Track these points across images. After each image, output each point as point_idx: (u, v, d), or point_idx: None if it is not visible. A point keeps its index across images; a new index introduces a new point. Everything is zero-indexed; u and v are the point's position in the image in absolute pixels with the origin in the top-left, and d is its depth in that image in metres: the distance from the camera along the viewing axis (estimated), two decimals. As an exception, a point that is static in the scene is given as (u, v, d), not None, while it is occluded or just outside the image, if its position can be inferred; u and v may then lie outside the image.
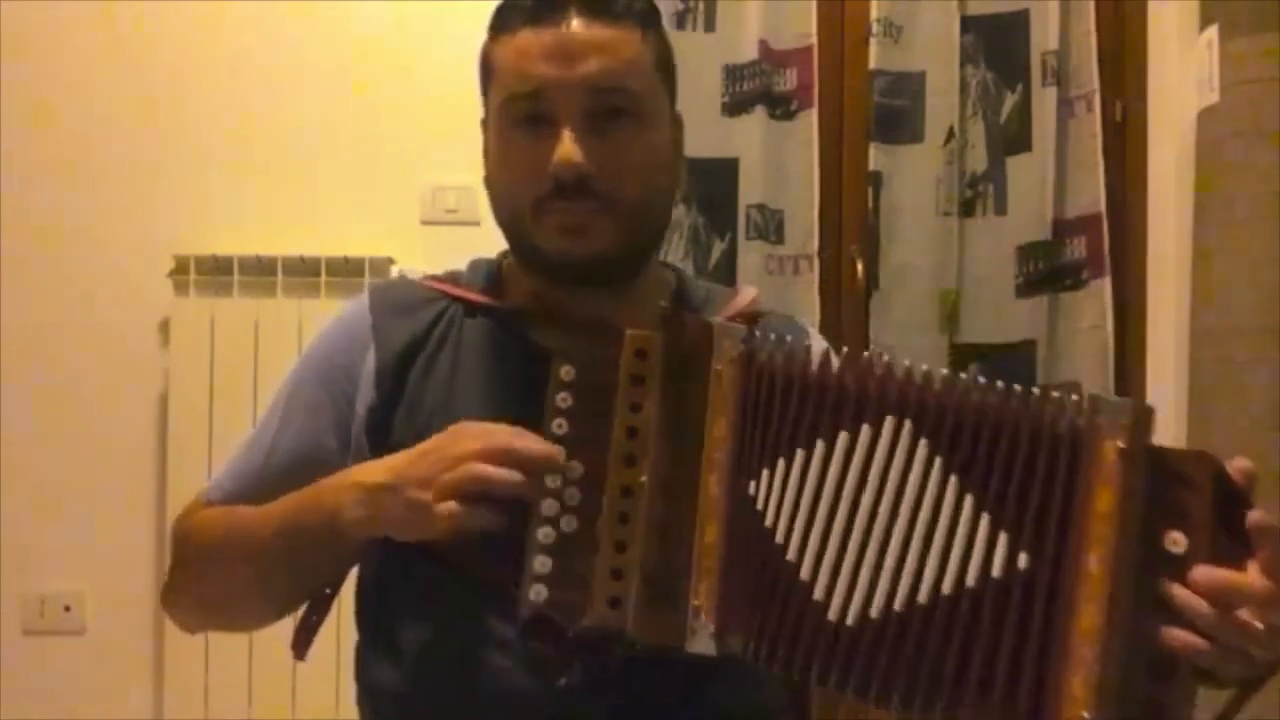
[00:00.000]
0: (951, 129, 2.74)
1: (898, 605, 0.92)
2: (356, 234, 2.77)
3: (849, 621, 0.93)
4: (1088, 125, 2.72)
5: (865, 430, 0.95)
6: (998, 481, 0.91)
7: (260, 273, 2.76)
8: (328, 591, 1.18)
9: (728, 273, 2.70)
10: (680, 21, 2.74)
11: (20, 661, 2.74)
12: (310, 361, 1.23)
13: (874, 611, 0.93)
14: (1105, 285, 2.70)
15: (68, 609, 2.77)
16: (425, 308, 1.21)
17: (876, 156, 2.74)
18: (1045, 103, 2.73)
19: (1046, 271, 2.73)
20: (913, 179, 2.74)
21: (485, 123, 1.20)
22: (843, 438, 0.96)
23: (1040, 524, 0.90)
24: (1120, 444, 0.88)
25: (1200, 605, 0.86)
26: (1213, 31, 2.30)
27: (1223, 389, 2.25)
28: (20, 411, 2.76)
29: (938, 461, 0.93)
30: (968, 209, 2.76)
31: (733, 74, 2.74)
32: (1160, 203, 2.64)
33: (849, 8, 2.82)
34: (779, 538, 0.96)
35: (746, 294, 1.28)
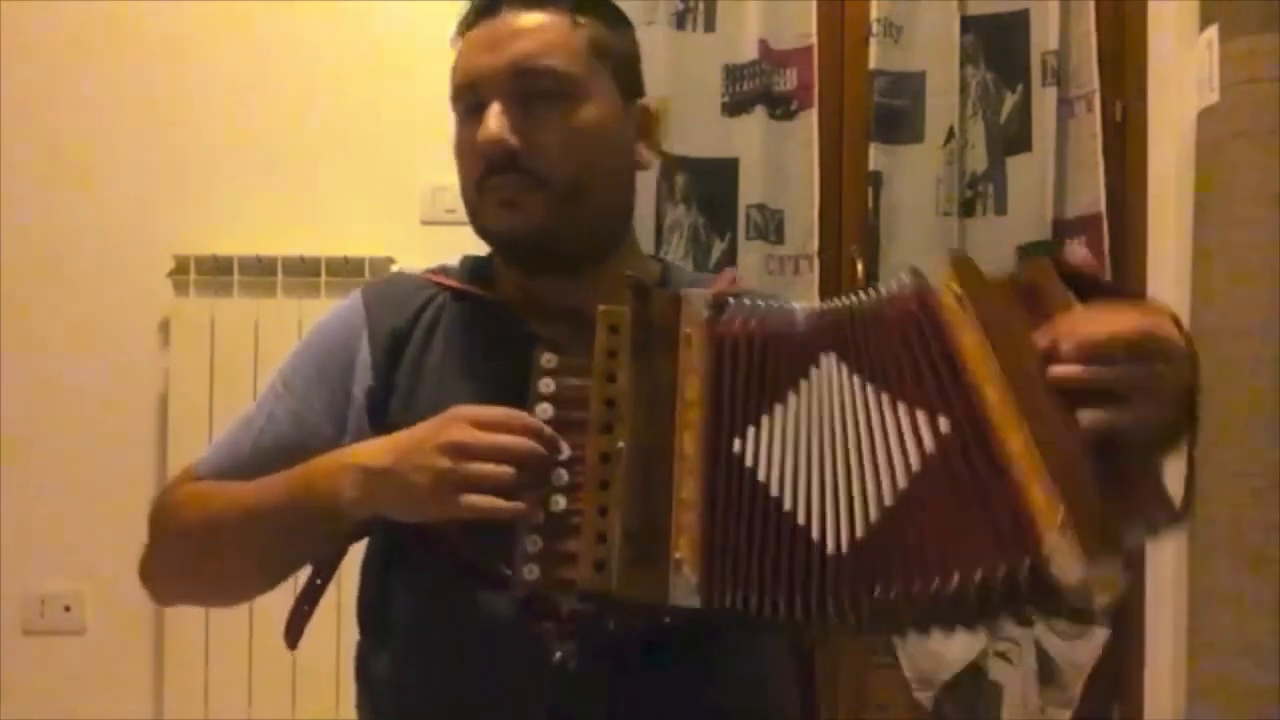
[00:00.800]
0: (951, 129, 2.74)
1: (872, 517, 0.96)
2: (356, 234, 2.77)
3: (844, 549, 0.96)
4: (1088, 125, 2.72)
5: (813, 371, 1.01)
6: (894, 370, 0.99)
7: (260, 273, 2.76)
8: (318, 582, 1.18)
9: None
10: (680, 21, 2.74)
11: (20, 661, 2.74)
12: (306, 350, 1.25)
13: (858, 532, 0.96)
14: (1105, 285, 2.70)
15: (68, 609, 2.77)
16: (415, 297, 1.23)
17: (876, 156, 2.74)
18: (1045, 103, 2.73)
19: (1046, 271, 2.73)
20: (913, 179, 2.74)
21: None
22: (803, 384, 1.01)
23: (940, 388, 0.96)
24: (956, 289, 0.99)
25: (1074, 370, 0.90)
26: (1213, 31, 2.30)
27: (1223, 389, 2.25)
28: (20, 411, 2.76)
29: (856, 377, 1.00)
30: (968, 209, 2.76)
31: (733, 74, 2.74)
32: (1160, 203, 2.64)
33: (849, 8, 2.82)
34: (774, 490, 0.98)
35: (727, 274, 1.31)
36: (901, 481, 0.95)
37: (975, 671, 2.66)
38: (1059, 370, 0.91)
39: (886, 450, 0.97)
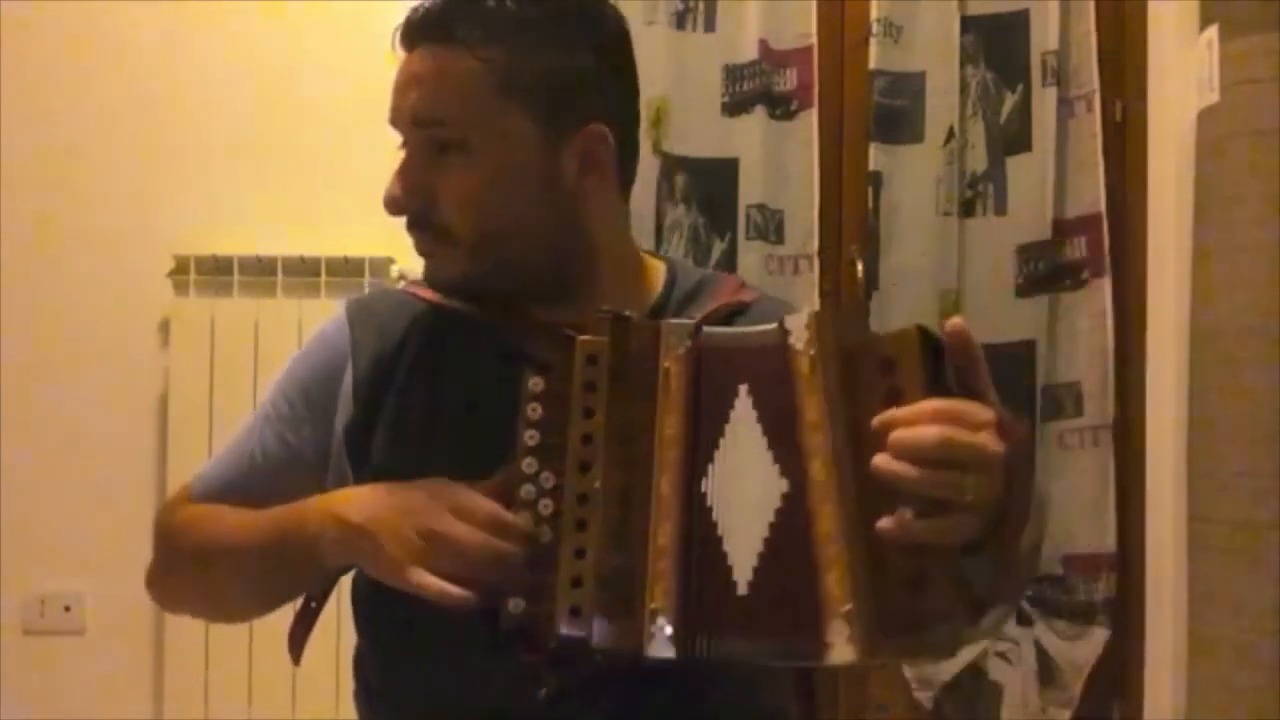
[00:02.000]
0: (951, 129, 2.73)
1: (754, 564, 0.96)
2: (356, 234, 2.77)
3: (745, 591, 0.96)
4: (1088, 125, 2.72)
5: (736, 404, 1.00)
6: (770, 415, 0.98)
7: (260, 273, 2.76)
8: (313, 605, 1.18)
9: (728, 273, 2.70)
10: (680, 21, 2.74)
11: (20, 661, 2.74)
12: (292, 375, 1.25)
13: (749, 575, 0.96)
14: (1105, 285, 2.70)
15: (68, 609, 2.77)
16: (401, 314, 1.21)
17: (876, 156, 2.73)
18: (1045, 103, 2.73)
19: (1046, 271, 2.73)
20: (913, 179, 2.74)
21: None
22: (731, 416, 1.00)
23: (786, 447, 0.96)
24: (809, 351, 0.96)
25: (894, 466, 0.89)
26: (1213, 31, 2.30)
27: (1223, 389, 2.25)
28: (20, 412, 2.76)
29: (756, 412, 0.99)
30: (968, 209, 2.76)
31: (733, 74, 2.74)
32: (1160, 203, 2.64)
33: (849, 8, 2.82)
34: (720, 530, 0.98)
35: (732, 283, 1.27)
36: (766, 531, 0.96)
37: (975, 671, 2.65)
38: (879, 461, 0.89)
39: (763, 499, 0.97)
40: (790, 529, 0.95)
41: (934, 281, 2.72)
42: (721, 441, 0.99)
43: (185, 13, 2.82)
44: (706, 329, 1.04)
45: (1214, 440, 2.27)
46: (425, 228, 1.14)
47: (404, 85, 1.14)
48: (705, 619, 0.96)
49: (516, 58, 1.11)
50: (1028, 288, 2.74)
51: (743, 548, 0.97)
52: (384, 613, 1.16)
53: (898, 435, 0.89)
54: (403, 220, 1.16)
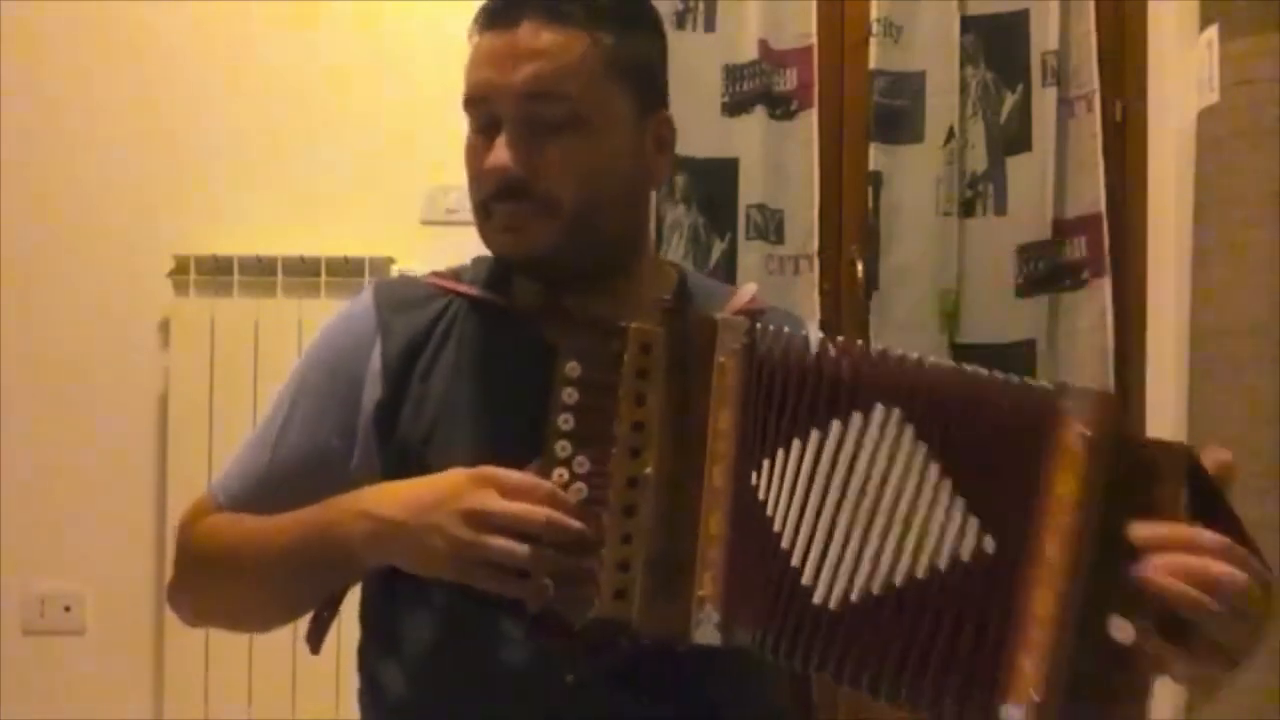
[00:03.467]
0: (951, 129, 2.73)
1: (876, 589, 0.94)
2: (356, 234, 2.77)
3: (832, 606, 0.94)
4: (1088, 125, 2.72)
5: (856, 417, 0.96)
6: (972, 465, 0.93)
7: (260, 273, 2.76)
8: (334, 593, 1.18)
9: (728, 273, 2.70)
10: (680, 21, 2.74)
11: (20, 661, 2.74)
12: (316, 358, 1.24)
13: (854, 595, 0.94)
14: (1105, 285, 2.70)
15: (68, 609, 2.77)
16: (429, 304, 1.21)
17: (876, 156, 2.74)
18: (1045, 103, 2.73)
19: (1046, 271, 2.73)
20: (913, 179, 2.74)
21: None
22: (835, 426, 0.97)
23: (1007, 508, 0.91)
24: (1085, 431, 0.89)
25: (1161, 576, 0.85)
26: (1213, 31, 2.29)
27: (1223, 389, 2.25)
28: (20, 411, 2.76)
29: (922, 447, 0.94)
30: (968, 209, 2.76)
31: (733, 74, 2.74)
32: (1160, 203, 2.64)
33: (849, 8, 2.82)
34: (777, 526, 0.97)
35: (747, 291, 1.28)
36: (919, 571, 0.92)
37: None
38: (1149, 573, 0.85)
39: (922, 531, 0.93)
40: (978, 586, 0.90)
41: (934, 281, 2.72)
42: (796, 441, 0.97)
43: (186, 13, 2.82)
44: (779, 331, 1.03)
45: (1214, 440, 2.27)
46: (523, 199, 1.13)
47: (510, 58, 1.13)
48: (760, 615, 0.95)
49: (619, 40, 1.16)
50: (1028, 288, 2.74)
51: (845, 565, 0.94)
52: (401, 611, 1.15)
53: (1199, 564, 0.84)
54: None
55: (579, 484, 1.00)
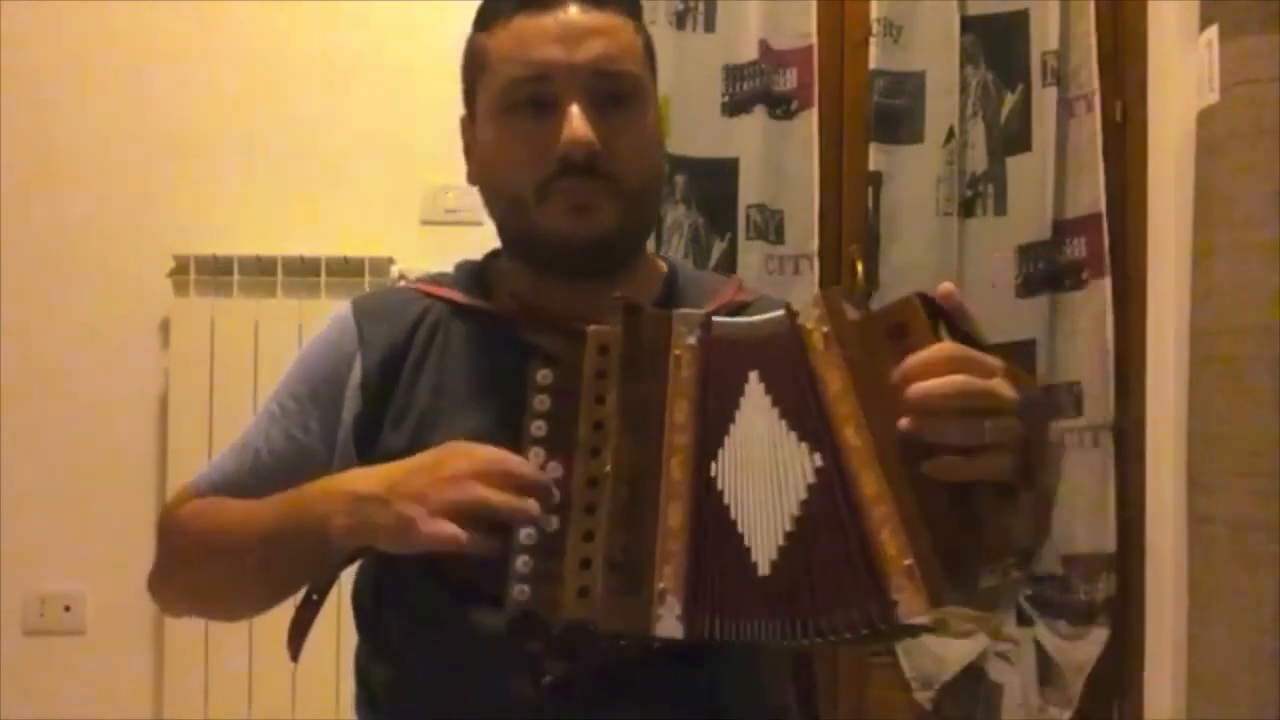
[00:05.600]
0: (951, 129, 2.74)
1: (780, 543, 0.97)
2: (356, 234, 2.77)
3: (767, 571, 0.97)
4: (1088, 125, 2.72)
5: (746, 389, 1.01)
6: (788, 397, 1.00)
7: (260, 273, 2.76)
8: (314, 598, 1.17)
9: (727, 273, 2.70)
10: (680, 21, 2.74)
11: (20, 661, 2.74)
12: (299, 370, 1.24)
13: (772, 554, 0.97)
14: (1105, 285, 2.70)
15: (68, 609, 2.77)
16: (408, 309, 1.21)
17: (876, 156, 2.74)
18: (1045, 103, 2.73)
19: (1046, 271, 2.73)
20: (913, 179, 2.75)
21: (469, 119, 1.23)
22: (742, 403, 1.01)
23: (815, 423, 0.98)
24: (824, 329, 0.99)
25: (914, 425, 0.91)
26: (1213, 31, 2.30)
27: (1223, 389, 2.25)
28: (20, 411, 2.76)
29: (769, 398, 1.00)
30: (968, 209, 2.77)
31: (733, 74, 2.74)
32: (1160, 203, 2.64)
33: (849, 8, 2.82)
34: (733, 513, 0.98)
35: (733, 284, 1.28)
36: (796, 509, 0.97)
37: (975, 671, 2.66)
38: (909, 419, 0.92)
39: (787, 479, 0.98)
40: (828, 500, 0.95)
41: (934, 281, 2.66)
42: (732, 427, 1.00)
43: (186, 13, 2.82)
44: (716, 319, 1.05)
45: (1214, 440, 2.27)
46: (592, 176, 1.13)
47: (576, 34, 1.13)
48: (718, 600, 0.96)
49: (644, 30, 1.21)
50: (1028, 288, 2.74)
51: (765, 528, 0.97)
52: (386, 613, 1.16)
53: (919, 387, 0.91)
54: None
55: (553, 489, 1.00)
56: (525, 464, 1.01)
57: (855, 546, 0.93)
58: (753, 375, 1.01)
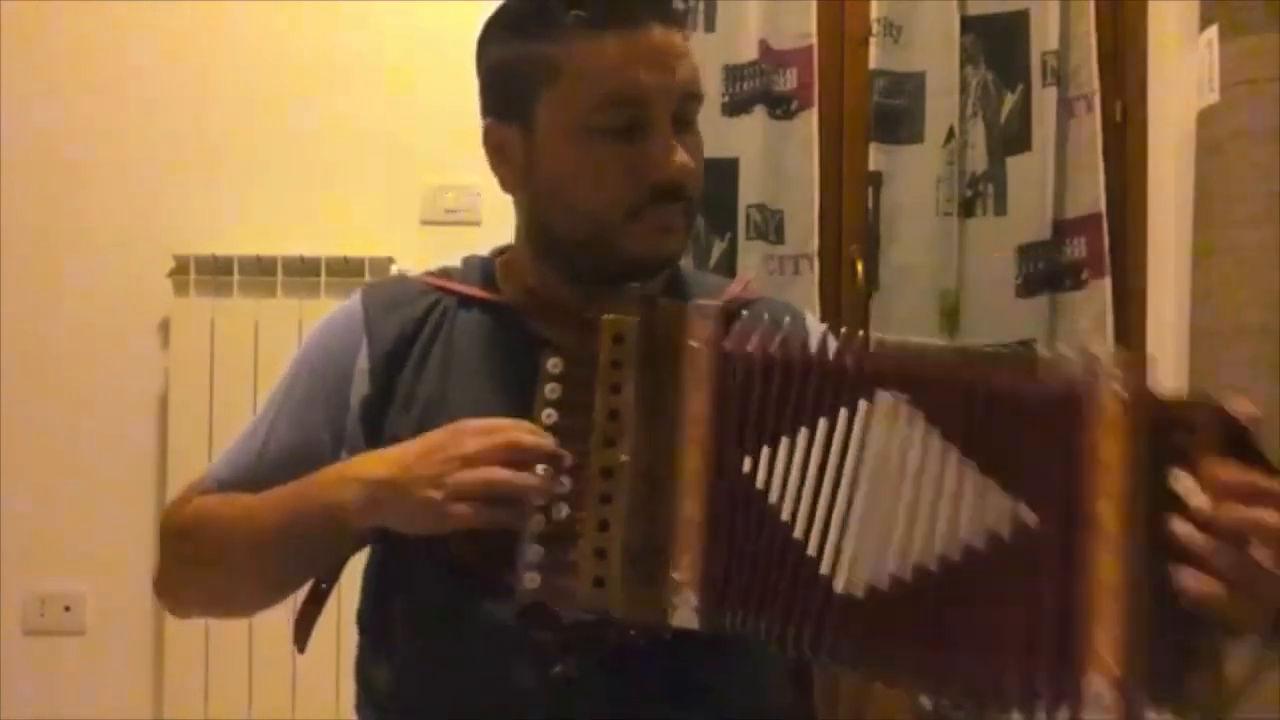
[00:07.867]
0: (951, 129, 2.74)
1: (907, 576, 0.92)
2: (356, 234, 2.77)
3: (856, 593, 0.93)
4: (1088, 125, 2.72)
5: (862, 405, 0.96)
6: (998, 444, 0.92)
7: (260, 273, 2.76)
8: (323, 587, 1.18)
9: (727, 273, 2.70)
10: (680, 21, 2.74)
11: (20, 661, 2.74)
12: (304, 358, 1.24)
13: (881, 583, 0.93)
14: (1105, 285, 2.70)
15: (68, 609, 2.77)
16: (417, 301, 1.21)
17: (876, 156, 2.74)
18: (1045, 103, 2.73)
19: (1046, 271, 2.73)
20: (913, 179, 2.75)
21: (518, 128, 1.15)
22: (843, 414, 0.96)
23: (1047, 481, 0.90)
24: (1121, 392, 0.89)
25: (1202, 539, 0.85)
26: (1213, 31, 2.30)
27: (1223, 389, 2.25)
28: (20, 411, 2.76)
29: (936, 431, 0.93)
30: (968, 209, 2.77)
31: (733, 74, 2.74)
32: (1160, 203, 2.64)
33: (849, 8, 2.82)
34: (785, 515, 0.96)
35: (739, 281, 1.29)
36: (953, 553, 0.91)
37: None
38: (1183, 529, 0.85)
39: (947, 515, 0.92)
40: (1025, 560, 0.89)
41: (934, 281, 2.72)
42: (803, 430, 0.96)
43: (185, 13, 2.82)
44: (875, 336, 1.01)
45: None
46: (679, 199, 1.13)
47: (669, 58, 1.11)
48: (743, 594, 0.95)
49: None
50: (1028, 288, 2.74)
51: (861, 547, 0.94)
52: (389, 605, 1.15)
53: (1237, 510, 0.85)
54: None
55: (563, 478, 1.01)
56: (533, 432, 1.01)
57: (1049, 626, 0.88)
58: (884, 395, 0.94)
